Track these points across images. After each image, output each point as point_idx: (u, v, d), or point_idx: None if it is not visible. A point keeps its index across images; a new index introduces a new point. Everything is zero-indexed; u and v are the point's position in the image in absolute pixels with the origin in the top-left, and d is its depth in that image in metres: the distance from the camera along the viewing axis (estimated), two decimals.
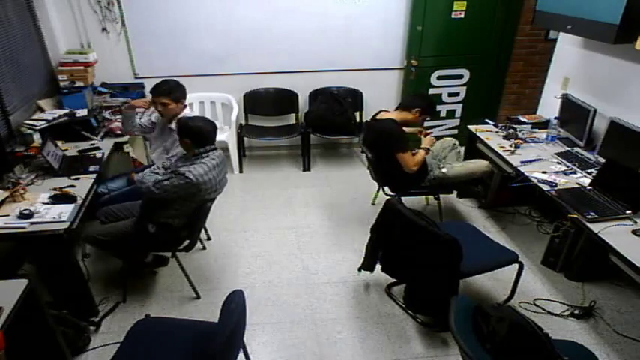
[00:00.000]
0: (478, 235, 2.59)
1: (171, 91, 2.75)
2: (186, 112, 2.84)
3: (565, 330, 2.41)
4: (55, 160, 2.70)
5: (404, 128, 2.95)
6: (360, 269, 2.64)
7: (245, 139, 4.35)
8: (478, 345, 1.55)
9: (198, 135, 2.31)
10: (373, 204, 3.62)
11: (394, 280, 2.63)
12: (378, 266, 2.55)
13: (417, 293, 2.36)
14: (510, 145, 3.11)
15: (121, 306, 2.56)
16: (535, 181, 2.69)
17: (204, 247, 3.08)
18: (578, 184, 2.63)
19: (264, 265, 2.93)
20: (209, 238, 3.18)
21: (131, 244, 2.47)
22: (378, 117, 3.01)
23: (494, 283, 2.73)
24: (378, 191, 3.53)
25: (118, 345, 1.82)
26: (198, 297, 2.63)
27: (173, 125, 2.75)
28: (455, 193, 3.54)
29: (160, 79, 2.82)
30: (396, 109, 3.02)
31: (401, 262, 2.39)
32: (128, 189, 2.88)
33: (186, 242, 2.53)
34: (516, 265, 2.38)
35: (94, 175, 2.65)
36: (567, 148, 3.07)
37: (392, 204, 2.33)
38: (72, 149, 2.99)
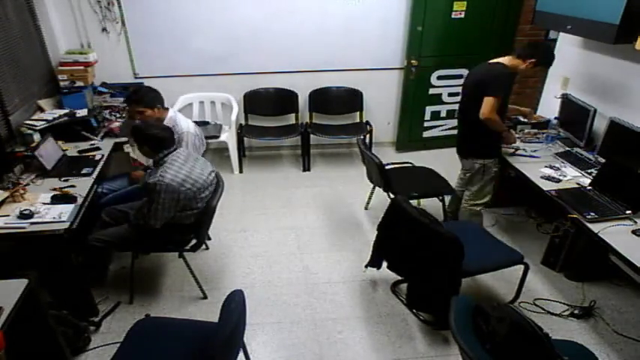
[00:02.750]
0: (484, 235, 2.59)
1: (142, 98, 2.65)
2: (171, 115, 2.76)
3: (565, 330, 2.41)
4: (51, 160, 2.69)
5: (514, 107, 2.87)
6: (366, 266, 2.64)
7: (245, 139, 4.35)
8: (478, 345, 1.55)
9: (153, 140, 2.29)
10: (366, 209, 3.57)
11: (399, 278, 2.63)
12: (382, 264, 2.55)
13: (419, 291, 2.36)
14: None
15: (121, 306, 2.56)
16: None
17: (206, 247, 3.07)
18: (578, 184, 2.63)
19: (264, 265, 2.93)
20: (209, 238, 3.16)
21: (137, 244, 2.48)
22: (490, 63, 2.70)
23: (497, 282, 2.73)
24: (370, 195, 3.52)
25: (118, 345, 1.82)
26: (205, 297, 2.63)
27: None
28: None
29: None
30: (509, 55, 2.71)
31: (404, 260, 2.40)
32: (129, 189, 2.87)
33: (193, 242, 2.53)
34: (520, 266, 2.38)
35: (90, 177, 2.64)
36: (567, 148, 3.07)
37: (398, 202, 2.33)
38: (72, 149, 2.99)
